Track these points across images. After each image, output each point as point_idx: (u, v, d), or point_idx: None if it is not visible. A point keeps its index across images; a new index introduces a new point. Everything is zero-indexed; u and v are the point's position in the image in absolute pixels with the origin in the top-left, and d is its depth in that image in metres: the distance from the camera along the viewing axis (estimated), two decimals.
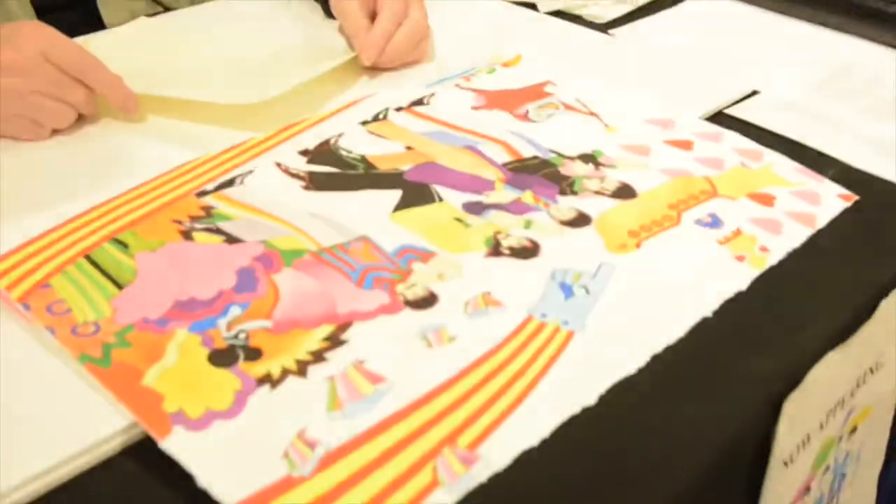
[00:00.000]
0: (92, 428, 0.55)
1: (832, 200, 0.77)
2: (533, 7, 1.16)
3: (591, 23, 1.12)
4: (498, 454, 0.54)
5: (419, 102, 0.90)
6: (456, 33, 1.08)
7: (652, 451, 0.55)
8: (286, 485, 0.51)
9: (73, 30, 1.03)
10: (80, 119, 0.87)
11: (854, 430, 0.71)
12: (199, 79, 0.94)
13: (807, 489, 0.67)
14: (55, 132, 0.86)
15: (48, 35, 0.83)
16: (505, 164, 0.80)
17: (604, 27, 1.11)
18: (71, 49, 0.83)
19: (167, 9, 1.18)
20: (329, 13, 1.06)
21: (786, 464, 0.60)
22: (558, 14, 1.14)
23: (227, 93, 0.88)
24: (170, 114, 0.88)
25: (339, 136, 0.84)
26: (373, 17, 0.99)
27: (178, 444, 0.53)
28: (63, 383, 0.59)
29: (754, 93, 0.95)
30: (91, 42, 1.00)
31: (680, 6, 1.18)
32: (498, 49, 1.01)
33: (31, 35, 0.82)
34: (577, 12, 1.14)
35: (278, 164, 0.80)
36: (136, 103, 0.87)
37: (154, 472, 0.53)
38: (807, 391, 0.59)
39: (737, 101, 0.93)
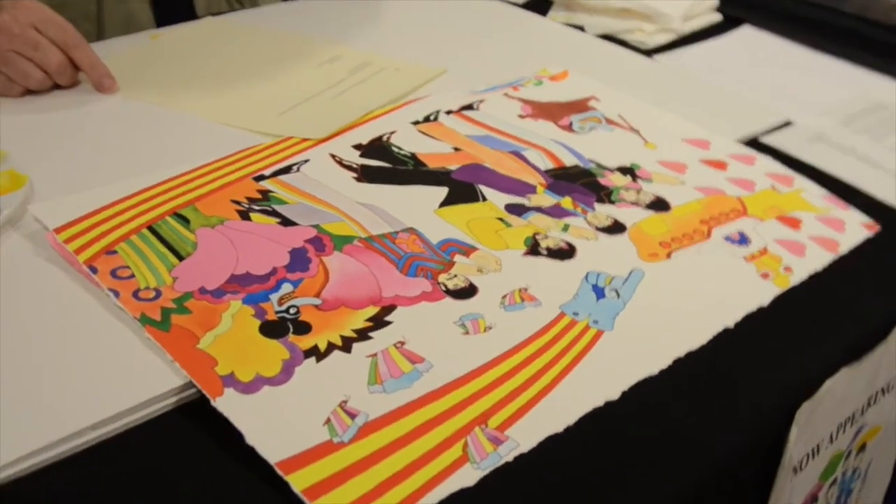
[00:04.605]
0: (149, 385, 0.59)
1: (856, 228, 0.80)
2: (581, 29, 1.19)
3: (635, 48, 1.16)
4: (525, 437, 0.57)
5: (469, 107, 0.94)
6: (507, 47, 1.13)
7: (668, 447, 0.59)
8: (326, 449, 0.55)
9: None
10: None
11: (863, 447, 0.74)
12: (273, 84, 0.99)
13: (814, 499, 0.70)
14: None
15: (42, 10, 0.93)
16: (547, 171, 0.84)
17: (647, 53, 1.15)
18: (60, 25, 0.93)
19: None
20: None
21: (795, 471, 0.64)
22: (605, 38, 1.18)
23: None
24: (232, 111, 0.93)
25: (392, 133, 0.88)
26: None
27: (229, 405, 0.57)
28: (123, 343, 0.63)
29: (787, 123, 0.99)
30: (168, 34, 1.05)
31: (720, 38, 1.21)
32: (546, 64, 1.05)
33: (29, 8, 0.92)
34: (622, 37, 1.18)
35: (332, 156, 0.84)
36: (113, 84, 0.95)
37: (205, 429, 0.57)
38: (819, 402, 0.63)
39: (770, 130, 0.97)
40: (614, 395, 0.61)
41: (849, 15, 1.23)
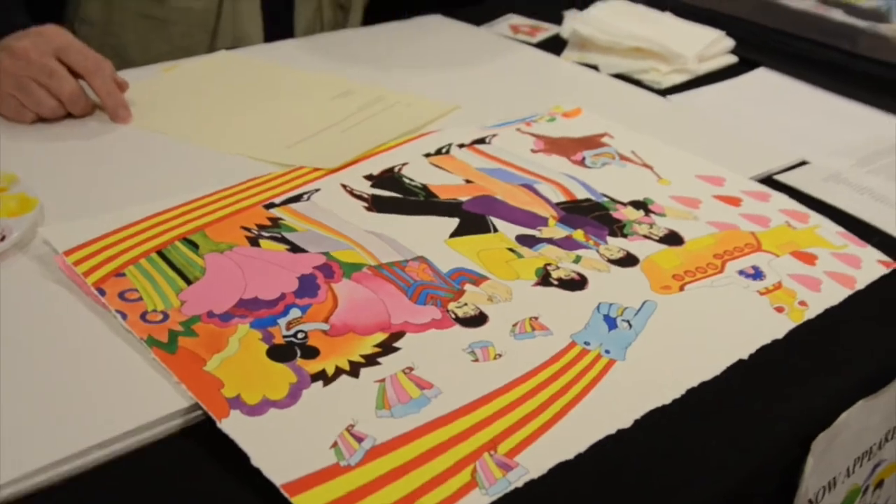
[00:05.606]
0: (154, 407, 0.58)
1: (873, 265, 0.80)
2: (595, 69, 1.20)
3: (650, 88, 1.16)
4: (535, 463, 0.56)
5: (481, 141, 0.94)
6: (520, 85, 1.13)
7: (679, 476, 0.58)
8: (333, 472, 0.54)
9: None
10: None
11: (880, 484, 0.72)
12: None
13: None
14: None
15: (64, 37, 0.94)
16: (559, 204, 0.84)
17: (662, 93, 1.15)
18: (81, 52, 0.94)
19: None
20: None
21: (811, 502, 0.62)
22: (619, 77, 1.18)
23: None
24: (244, 142, 0.93)
25: (403, 165, 0.88)
26: None
27: (235, 426, 0.57)
28: (130, 365, 0.62)
29: (803, 163, 0.98)
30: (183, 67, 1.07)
31: (736, 79, 1.21)
32: (559, 102, 1.05)
33: (51, 35, 0.93)
34: (637, 77, 1.18)
35: (343, 186, 0.84)
36: (128, 115, 0.96)
37: (211, 451, 0.56)
38: (836, 434, 0.61)
39: (785, 169, 0.96)
40: (626, 423, 0.60)
41: (863, 57, 1.23)
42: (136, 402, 0.59)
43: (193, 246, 0.73)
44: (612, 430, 0.59)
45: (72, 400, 0.59)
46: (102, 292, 0.67)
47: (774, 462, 0.61)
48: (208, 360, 0.61)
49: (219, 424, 0.57)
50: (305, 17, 1.28)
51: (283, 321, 0.66)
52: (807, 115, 1.12)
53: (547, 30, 1.32)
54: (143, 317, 0.65)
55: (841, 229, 0.84)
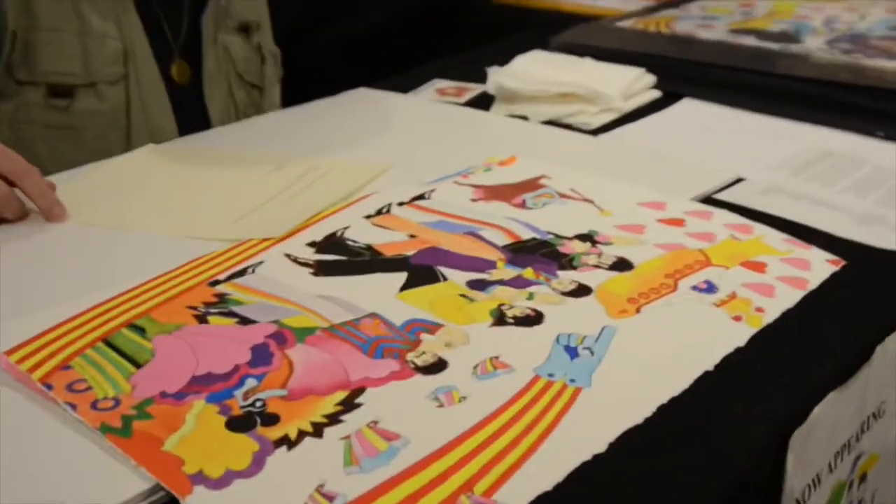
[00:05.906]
0: (113, 493, 0.56)
1: (822, 265, 0.80)
2: (525, 119, 1.20)
3: (580, 130, 1.17)
4: (514, 499, 0.55)
5: (420, 197, 0.94)
6: (452, 142, 1.14)
7: (663, 494, 0.57)
8: None
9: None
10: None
11: (864, 477, 0.72)
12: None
13: None
14: None
15: None
16: (505, 247, 0.84)
17: (592, 133, 1.16)
18: (7, 156, 0.93)
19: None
20: None
21: (798, 502, 0.61)
22: (549, 124, 1.19)
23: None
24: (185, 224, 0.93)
25: (345, 228, 0.87)
26: None
27: (199, 502, 0.55)
28: (85, 455, 0.60)
29: (739, 180, 0.99)
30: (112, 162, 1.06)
31: (663, 112, 1.23)
32: (493, 153, 1.06)
33: None
34: (566, 121, 1.19)
35: (287, 255, 0.83)
36: (63, 213, 0.94)
37: None
38: (812, 428, 0.61)
39: (723, 188, 0.97)
40: (601, 447, 0.59)
41: (780, 76, 1.25)
42: (93, 491, 0.57)
43: (140, 331, 0.71)
44: (589, 457, 0.58)
45: (27, 498, 0.57)
46: (50, 387, 0.65)
47: (756, 465, 0.60)
48: (166, 440, 0.59)
49: (182, 502, 0.55)
50: (218, 101, 1.27)
51: (239, 392, 0.64)
52: (735, 136, 1.13)
53: (473, 90, 1.33)
54: (93, 405, 0.63)
55: (786, 236, 0.85)
